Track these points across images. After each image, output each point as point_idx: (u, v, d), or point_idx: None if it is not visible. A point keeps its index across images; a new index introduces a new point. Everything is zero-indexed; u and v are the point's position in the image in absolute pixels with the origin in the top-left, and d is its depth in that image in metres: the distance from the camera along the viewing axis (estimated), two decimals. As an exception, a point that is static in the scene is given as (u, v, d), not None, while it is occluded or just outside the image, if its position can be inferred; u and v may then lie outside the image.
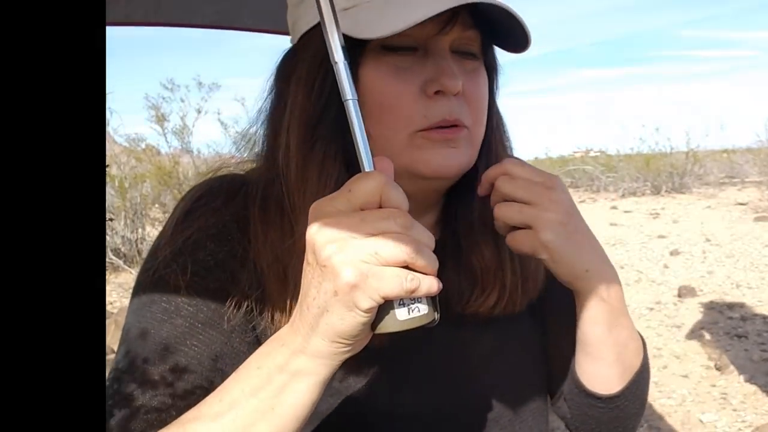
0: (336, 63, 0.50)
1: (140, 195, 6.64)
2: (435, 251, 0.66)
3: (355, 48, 0.60)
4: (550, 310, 0.76)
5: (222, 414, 0.50)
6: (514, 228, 0.63)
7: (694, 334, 3.82)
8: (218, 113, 8.42)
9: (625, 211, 9.54)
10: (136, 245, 6.35)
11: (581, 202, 11.37)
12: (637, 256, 6.12)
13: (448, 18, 0.61)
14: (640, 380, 0.70)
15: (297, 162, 0.62)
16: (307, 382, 0.49)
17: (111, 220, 6.28)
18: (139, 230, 6.51)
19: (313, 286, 0.47)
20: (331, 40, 0.50)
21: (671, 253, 6.12)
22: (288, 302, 0.60)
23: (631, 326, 0.69)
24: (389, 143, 0.62)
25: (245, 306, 0.61)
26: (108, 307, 4.93)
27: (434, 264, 0.47)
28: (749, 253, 5.85)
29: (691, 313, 4.24)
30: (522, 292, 0.69)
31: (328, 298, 0.45)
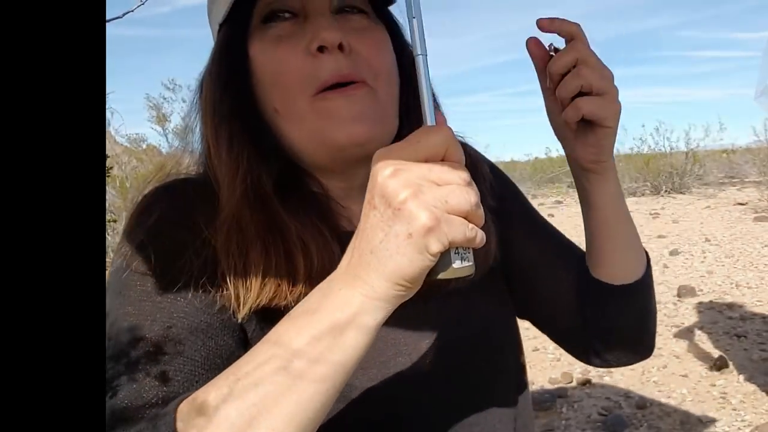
0: (413, 18, 0.51)
1: (141, 195, 6.60)
2: None
3: (239, 32, 0.65)
4: (521, 257, 0.80)
5: (285, 358, 0.48)
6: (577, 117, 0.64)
7: (694, 333, 3.81)
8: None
9: (625, 211, 9.51)
10: (137, 245, 6.33)
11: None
12: (637, 256, 6.11)
13: None
14: (650, 264, 0.75)
15: (211, 144, 0.66)
16: (366, 321, 0.49)
17: (113, 221, 6.26)
18: (140, 230, 6.48)
19: (380, 230, 0.47)
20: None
21: (671, 253, 6.11)
22: (232, 277, 0.60)
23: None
24: (294, 114, 0.63)
25: (209, 284, 0.61)
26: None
27: (483, 218, 0.49)
28: (749, 253, 5.84)
29: (691, 312, 4.23)
30: (487, 249, 0.72)
31: (400, 241, 0.46)
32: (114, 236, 6.31)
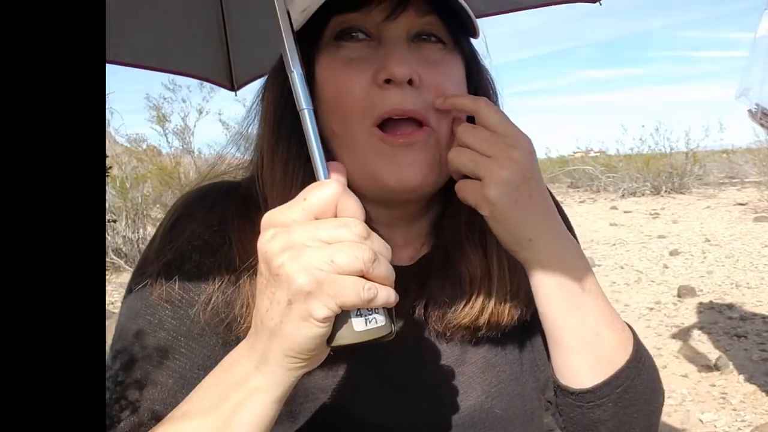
0: (291, 72, 0.50)
1: (141, 195, 6.64)
2: (421, 265, 0.64)
3: (310, 45, 0.61)
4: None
5: (182, 430, 0.50)
6: (466, 177, 0.60)
7: (694, 333, 3.81)
8: (219, 114, 8.40)
9: (625, 212, 9.53)
10: (138, 245, 6.34)
11: (581, 202, 11.37)
12: (637, 256, 6.11)
13: (396, 3, 0.60)
14: (630, 380, 0.61)
15: (266, 162, 0.63)
16: (262, 399, 0.47)
17: (113, 221, 6.27)
18: (141, 230, 6.51)
19: (266, 297, 0.45)
20: (286, 49, 0.51)
21: (671, 253, 6.11)
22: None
23: (608, 315, 0.62)
24: (351, 141, 0.61)
25: (228, 316, 0.60)
26: (109, 307, 4.92)
27: (391, 275, 0.45)
28: (749, 253, 5.84)
29: (691, 313, 4.23)
30: (510, 304, 0.66)
31: (282, 308, 0.44)
32: (114, 236, 6.34)
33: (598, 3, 1.13)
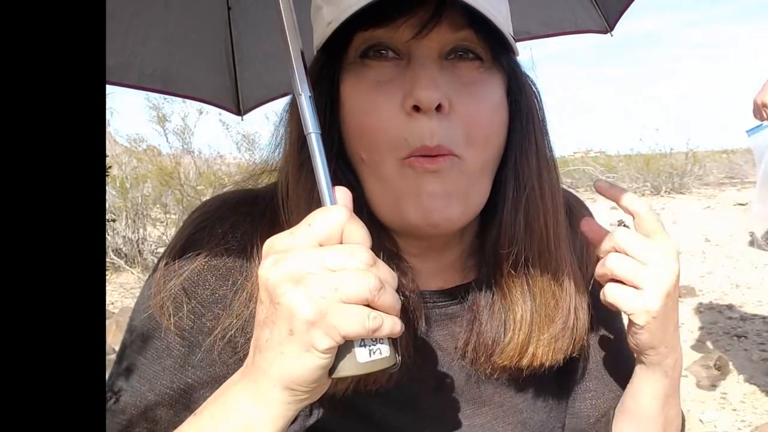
0: (299, 95, 0.49)
1: (141, 195, 6.64)
2: (469, 291, 0.61)
3: (334, 63, 0.57)
4: (583, 374, 0.71)
5: None
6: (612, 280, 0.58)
7: (694, 334, 3.81)
8: (219, 114, 8.36)
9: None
10: (138, 245, 6.34)
11: (581, 202, 11.35)
12: (637, 256, 6.11)
13: (427, 18, 0.53)
14: None
15: (291, 185, 0.58)
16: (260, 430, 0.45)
17: (113, 221, 6.27)
18: (140, 230, 6.51)
19: (266, 327, 0.43)
20: (295, 72, 0.49)
21: (671, 253, 6.11)
22: None
23: (679, 404, 0.65)
24: (380, 172, 0.56)
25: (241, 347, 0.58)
26: (109, 307, 4.92)
27: (397, 304, 0.44)
28: (749, 254, 5.84)
29: (691, 313, 4.23)
30: (553, 349, 0.62)
31: (282, 338, 0.42)
32: (114, 236, 6.34)
33: (609, 34, 1.13)
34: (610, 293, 0.58)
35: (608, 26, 1.13)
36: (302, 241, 0.43)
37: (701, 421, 2.71)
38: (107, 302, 5.25)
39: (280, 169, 0.62)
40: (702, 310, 4.26)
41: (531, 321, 0.61)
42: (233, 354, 0.58)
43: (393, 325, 0.43)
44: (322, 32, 0.56)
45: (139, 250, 6.28)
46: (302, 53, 0.51)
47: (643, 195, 11.77)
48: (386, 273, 0.44)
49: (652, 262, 0.56)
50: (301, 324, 0.41)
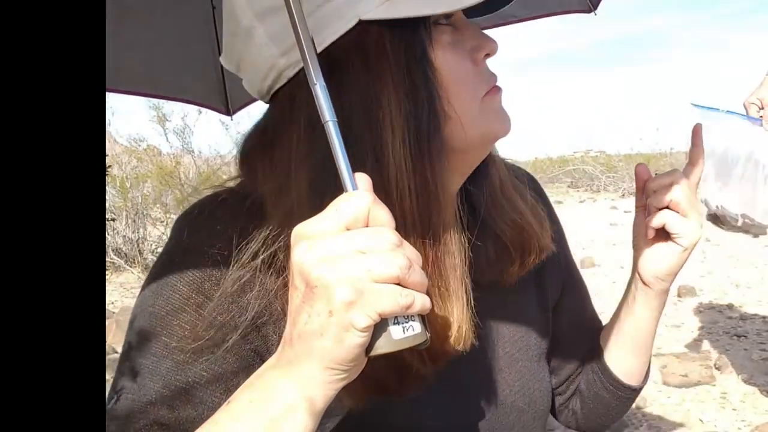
0: (314, 85, 0.49)
1: (141, 195, 6.65)
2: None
3: (419, 27, 0.57)
4: (562, 306, 0.82)
5: None
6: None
7: (694, 333, 3.82)
8: (219, 113, 8.36)
9: (625, 211, 9.52)
10: (138, 245, 6.35)
11: (581, 202, 11.37)
12: (637, 256, 6.12)
13: None
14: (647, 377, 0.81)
15: (294, 175, 0.58)
16: (301, 413, 0.46)
17: (113, 220, 6.28)
18: (141, 230, 6.52)
19: (303, 311, 0.44)
20: (308, 62, 0.49)
21: (671, 253, 6.11)
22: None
23: None
24: (466, 119, 0.60)
25: (253, 337, 0.59)
26: (109, 307, 4.92)
27: (424, 281, 0.46)
28: (749, 253, 5.85)
29: (691, 312, 4.24)
30: (543, 240, 0.72)
31: (322, 320, 0.43)
32: (114, 236, 6.35)
33: (593, 12, 1.14)
34: (670, 217, 0.70)
35: (591, 5, 1.15)
36: (331, 225, 0.44)
37: (701, 420, 2.72)
38: (107, 302, 5.25)
39: (275, 162, 0.61)
40: (702, 309, 4.26)
41: (526, 231, 0.71)
42: (258, 363, 0.58)
43: (424, 301, 0.45)
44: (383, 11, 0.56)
45: (139, 250, 6.29)
46: (313, 42, 0.51)
47: (643, 195, 11.77)
48: (412, 252, 0.46)
49: (693, 199, 0.70)
50: (340, 304, 0.42)
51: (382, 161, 0.55)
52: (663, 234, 0.71)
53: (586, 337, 0.84)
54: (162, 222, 6.51)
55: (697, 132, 0.74)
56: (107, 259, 6.07)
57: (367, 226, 0.45)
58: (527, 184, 0.76)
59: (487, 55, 0.63)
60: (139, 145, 7.65)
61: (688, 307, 4.37)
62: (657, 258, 0.73)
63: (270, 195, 0.60)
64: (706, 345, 3.60)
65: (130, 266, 6.05)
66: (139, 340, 0.59)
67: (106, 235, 6.25)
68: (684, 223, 0.70)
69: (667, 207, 0.70)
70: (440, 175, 0.57)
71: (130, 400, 0.57)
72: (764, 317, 4.00)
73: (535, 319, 0.76)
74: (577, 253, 5.28)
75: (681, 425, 2.70)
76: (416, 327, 0.46)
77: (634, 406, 2.86)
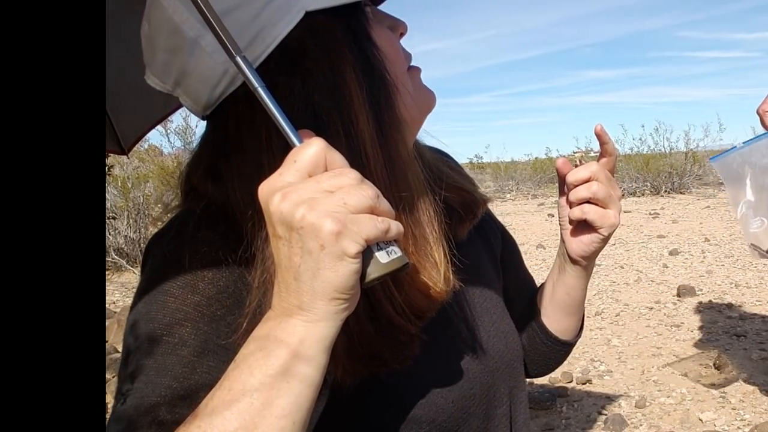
0: (235, 57, 0.51)
1: (143, 195, 6.65)
2: None
3: (356, 10, 0.63)
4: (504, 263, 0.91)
5: (236, 400, 0.48)
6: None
7: (694, 333, 3.82)
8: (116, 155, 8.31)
9: (625, 211, 9.53)
10: (139, 245, 6.36)
11: (581, 201, 11.36)
12: (637, 256, 6.12)
13: None
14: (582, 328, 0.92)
15: (247, 159, 0.61)
16: (315, 347, 0.49)
17: (113, 218, 6.28)
18: (142, 230, 6.52)
19: (295, 255, 0.47)
20: (222, 37, 0.51)
21: (670, 253, 6.11)
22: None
23: None
24: (405, 91, 0.64)
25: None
26: (110, 307, 4.93)
27: (392, 210, 0.49)
28: (748, 253, 5.85)
29: (691, 312, 4.24)
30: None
31: (316, 255, 0.46)
32: (116, 236, 6.35)
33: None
34: (591, 211, 0.75)
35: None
36: (293, 176, 0.47)
37: (701, 420, 2.72)
38: (109, 301, 5.25)
39: (249, 162, 0.61)
40: (702, 309, 4.26)
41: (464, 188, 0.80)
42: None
43: (398, 226, 0.49)
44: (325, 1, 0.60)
45: (140, 250, 6.30)
46: (218, 20, 0.52)
47: (643, 195, 11.78)
48: (374, 186, 0.49)
49: (611, 188, 0.75)
50: (329, 236, 0.45)
51: (353, 137, 0.59)
52: (584, 222, 0.77)
53: (526, 289, 0.92)
54: (163, 222, 6.51)
55: (599, 132, 0.79)
56: (109, 258, 6.08)
57: (326, 170, 0.48)
58: (443, 156, 0.85)
59: (402, 35, 0.68)
60: (141, 145, 7.66)
61: (688, 307, 4.37)
62: (581, 243, 0.79)
63: (246, 195, 0.60)
64: (705, 345, 3.60)
65: (132, 266, 6.05)
66: (140, 344, 0.59)
67: (108, 235, 6.26)
68: (603, 215, 0.75)
69: (588, 201, 0.76)
70: (402, 142, 0.62)
71: (137, 398, 0.57)
72: (764, 317, 4.00)
73: (489, 268, 0.84)
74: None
75: (680, 424, 2.70)
76: (397, 251, 0.50)
77: (634, 405, 2.87)
